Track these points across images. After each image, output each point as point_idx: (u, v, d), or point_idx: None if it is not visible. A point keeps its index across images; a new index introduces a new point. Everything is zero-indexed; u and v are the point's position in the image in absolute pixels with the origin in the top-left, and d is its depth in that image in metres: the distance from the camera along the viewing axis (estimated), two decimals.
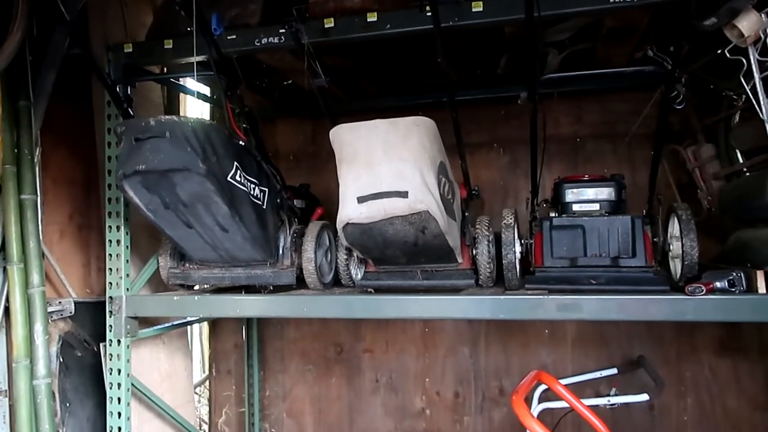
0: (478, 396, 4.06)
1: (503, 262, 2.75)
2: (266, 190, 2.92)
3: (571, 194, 2.99)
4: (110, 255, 2.98)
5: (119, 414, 2.91)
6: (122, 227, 2.96)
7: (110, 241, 2.98)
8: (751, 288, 2.27)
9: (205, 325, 4.91)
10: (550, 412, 3.38)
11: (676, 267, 2.69)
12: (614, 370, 3.47)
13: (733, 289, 2.25)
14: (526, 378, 1.82)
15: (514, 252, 2.76)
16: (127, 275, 2.97)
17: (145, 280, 3.12)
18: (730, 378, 3.60)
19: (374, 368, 4.25)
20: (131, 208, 2.97)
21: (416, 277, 2.95)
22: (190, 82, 3.95)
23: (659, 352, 3.65)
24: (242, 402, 4.47)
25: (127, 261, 2.97)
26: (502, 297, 2.53)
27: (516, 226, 2.86)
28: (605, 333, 3.80)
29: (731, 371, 3.60)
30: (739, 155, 2.86)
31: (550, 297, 2.41)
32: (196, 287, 3.32)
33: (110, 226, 2.98)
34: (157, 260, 3.14)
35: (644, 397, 2.94)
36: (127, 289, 2.96)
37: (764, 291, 2.23)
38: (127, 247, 2.98)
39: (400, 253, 2.80)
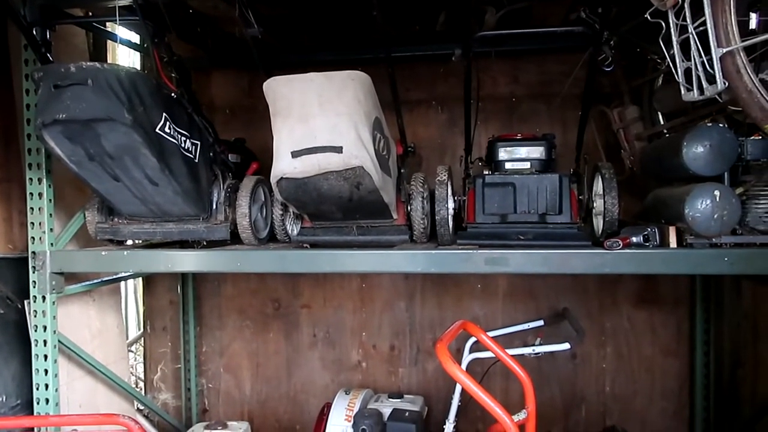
0: (413, 348, 4.18)
1: (436, 218, 2.81)
2: (198, 143, 2.84)
3: (503, 152, 3.07)
4: (32, 209, 2.86)
5: (46, 371, 2.84)
6: (44, 179, 2.84)
7: (31, 194, 2.85)
8: (664, 243, 2.42)
9: (140, 282, 4.82)
10: (480, 362, 3.54)
11: (598, 224, 2.82)
12: (541, 322, 3.64)
13: (648, 244, 2.39)
14: (452, 327, 1.90)
15: (447, 208, 2.83)
16: (51, 230, 2.86)
17: (71, 235, 3.01)
18: (646, 328, 3.85)
19: (312, 323, 4.30)
20: (54, 159, 2.84)
21: (352, 233, 2.98)
22: (121, 30, 3.75)
23: (583, 305, 3.85)
24: (178, 358, 4.44)
25: (51, 215, 2.86)
26: (434, 252, 2.59)
27: (450, 182, 2.92)
28: (534, 287, 3.97)
29: (647, 322, 3.85)
30: (660, 117, 2.99)
31: (479, 251, 2.49)
32: (128, 243, 3.24)
33: (31, 179, 2.84)
34: (84, 215, 3.03)
35: (566, 346, 3.10)
36: (51, 244, 2.86)
37: (675, 246, 2.38)
38: (50, 200, 2.86)
39: (336, 209, 2.81)
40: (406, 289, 4.17)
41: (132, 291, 5.54)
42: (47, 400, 2.85)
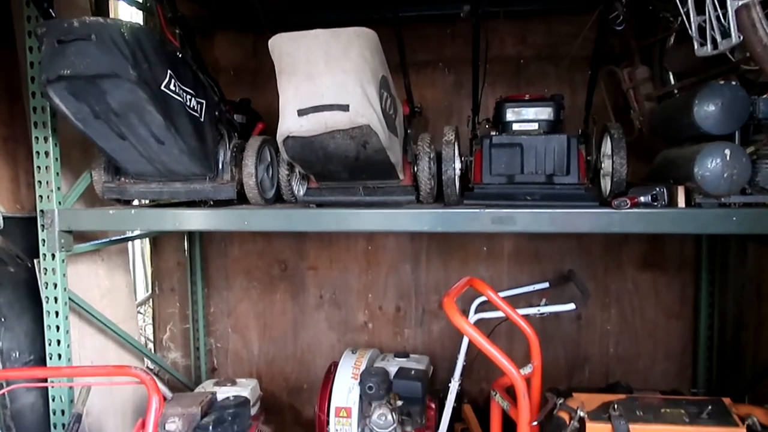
0: (419, 310, 4.22)
1: (443, 178, 2.80)
2: (203, 102, 2.82)
3: (511, 113, 3.04)
4: (38, 167, 2.86)
5: (57, 327, 2.89)
6: (50, 138, 2.83)
7: (38, 152, 2.85)
8: (672, 202, 2.41)
9: (147, 244, 4.85)
10: (485, 324, 3.58)
11: (606, 184, 2.81)
12: (546, 284, 3.67)
13: (656, 204, 2.38)
14: (459, 283, 1.91)
15: (454, 168, 2.81)
16: (59, 188, 2.87)
17: (78, 194, 3.02)
18: (651, 290, 3.86)
19: (318, 285, 4.33)
20: (59, 118, 2.83)
21: (358, 193, 2.98)
22: None
23: (588, 267, 3.86)
24: (186, 319, 4.50)
25: (57, 174, 2.86)
26: (441, 211, 2.60)
27: (457, 143, 2.90)
28: (539, 250, 3.98)
29: (652, 284, 3.86)
30: (671, 77, 2.94)
31: (487, 210, 2.49)
32: (134, 203, 3.26)
33: (37, 137, 2.84)
34: (90, 174, 3.04)
35: (571, 306, 3.13)
36: (59, 203, 2.87)
37: (683, 205, 2.37)
38: (57, 159, 2.86)
39: (342, 169, 2.80)
40: (412, 252, 4.19)
41: (140, 254, 5.59)
42: (59, 356, 2.90)
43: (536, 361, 2.25)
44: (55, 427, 2.95)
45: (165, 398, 3.64)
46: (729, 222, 2.25)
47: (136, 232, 4.04)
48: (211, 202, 3.03)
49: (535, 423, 1.74)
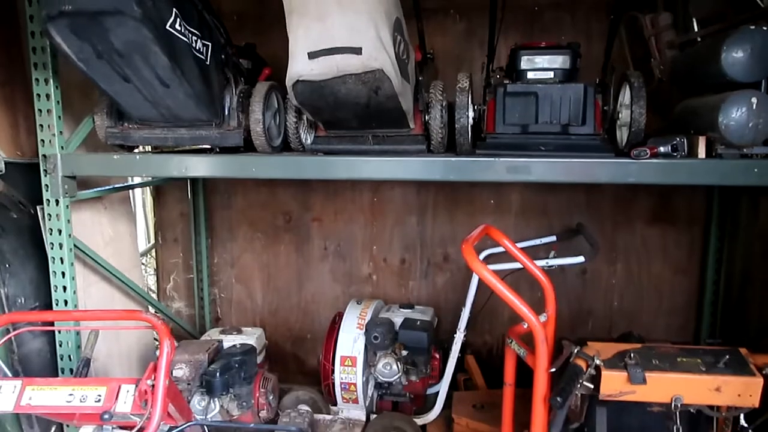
0: (424, 262, 4.21)
1: (456, 126, 2.73)
2: (209, 44, 2.72)
3: (526, 61, 2.94)
4: (39, 111, 2.78)
5: (63, 273, 2.86)
6: (51, 80, 2.74)
7: (38, 95, 2.76)
8: (692, 153, 2.35)
9: (148, 195, 4.80)
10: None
11: (622, 135, 2.74)
12: (553, 238, 3.64)
13: (675, 154, 2.32)
14: (475, 231, 1.88)
15: (468, 116, 2.74)
16: (60, 133, 2.79)
17: (80, 139, 2.94)
18: (658, 246, 3.85)
19: (323, 237, 4.31)
20: (60, 59, 2.73)
21: (367, 142, 2.91)
22: None
23: (596, 222, 3.82)
24: (190, 269, 4.49)
25: (59, 117, 2.78)
26: (454, 159, 2.54)
27: (470, 91, 2.81)
28: (547, 204, 3.93)
29: (660, 240, 3.84)
30: (695, 24, 2.84)
31: (501, 159, 2.43)
32: (137, 150, 3.19)
33: (37, 79, 2.74)
34: (93, 119, 2.96)
35: (580, 259, 3.12)
36: (62, 147, 2.80)
37: (704, 156, 2.32)
38: (58, 102, 2.77)
39: (352, 116, 2.73)
40: (418, 204, 4.15)
41: (140, 205, 5.54)
42: (66, 302, 2.88)
43: (550, 310, 2.23)
44: (62, 372, 2.96)
45: None
46: (750, 173, 2.20)
47: (140, 180, 3.99)
48: (217, 150, 2.97)
49: (553, 370, 1.74)
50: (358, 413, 3.63)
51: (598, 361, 1.75)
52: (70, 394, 1.97)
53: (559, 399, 1.66)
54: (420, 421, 3.55)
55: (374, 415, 3.64)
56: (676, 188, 3.75)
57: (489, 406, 3.47)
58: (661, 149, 2.31)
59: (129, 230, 3.90)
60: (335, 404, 3.68)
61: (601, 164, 2.37)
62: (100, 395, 1.97)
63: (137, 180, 4.07)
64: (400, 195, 4.15)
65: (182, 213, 4.45)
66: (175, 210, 4.47)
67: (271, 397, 3.39)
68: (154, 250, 4.72)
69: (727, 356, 1.78)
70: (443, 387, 3.55)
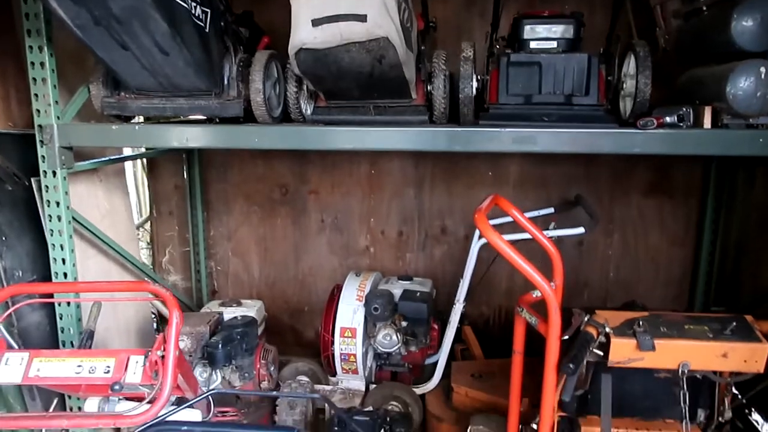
0: (421, 235, 4.21)
1: (460, 96, 2.71)
2: (209, 10, 2.65)
3: (529, 31, 2.90)
4: (34, 79, 2.70)
5: (62, 246, 2.82)
6: (45, 48, 2.66)
7: (32, 63, 2.69)
8: (698, 123, 2.36)
9: (140, 168, 4.73)
10: (488, 248, 3.59)
11: (626, 105, 2.74)
12: (551, 210, 3.66)
13: (681, 124, 2.32)
14: (486, 201, 1.88)
15: (472, 87, 2.71)
16: (56, 102, 2.72)
17: (76, 109, 2.88)
18: (655, 217, 3.88)
19: (320, 209, 4.29)
20: (55, 26, 2.66)
21: (368, 113, 2.88)
22: None
23: (594, 194, 3.84)
24: (186, 242, 4.46)
25: (55, 86, 2.71)
26: (459, 129, 2.52)
27: (474, 60, 2.78)
28: (545, 175, 3.94)
29: (657, 211, 3.87)
30: None
31: (507, 130, 2.42)
32: (134, 120, 3.13)
33: (31, 47, 2.67)
34: (88, 88, 2.89)
35: (581, 230, 3.14)
36: (58, 117, 2.74)
37: (709, 126, 2.32)
38: (53, 70, 2.70)
39: (354, 85, 2.70)
40: (416, 177, 4.13)
41: (131, 178, 5.46)
42: (65, 275, 2.85)
43: (558, 280, 2.25)
44: (63, 345, 2.94)
45: None
46: (755, 144, 2.21)
47: (136, 152, 3.93)
48: (217, 120, 2.92)
49: (566, 337, 1.75)
50: (358, 384, 3.66)
51: (608, 329, 1.77)
52: (79, 366, 1.96)
53: (571, 366, 1.68)
54: (419, 390, 3.59)
55: (373, 386, 3.67)
56: (673, 160, 3.77)
57: (487, 376, 3.52)
58: (667, 119, 2.31)
59: (124, 203, 3.85)
60: (334, 375, 3.71)
61: (606, 134, 2.37)
62: (109, 367, 1.96)
63: (131, 152, 4.02)
64: (398, 167, 4.13)
65: (177, 186, 4.41)
66: (169, 183, 4.42)
67: (272, 368, 3.41)
68: (147, 224, 4.68)
69: (734, 323, 1.81)
70: (442, 357, 3.59)
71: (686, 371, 1.77)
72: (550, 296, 1.66)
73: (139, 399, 2.12)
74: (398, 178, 4.15)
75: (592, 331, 1.77)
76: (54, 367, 1.97)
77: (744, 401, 2.01)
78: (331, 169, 4.22)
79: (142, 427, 1.21)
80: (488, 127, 2.58)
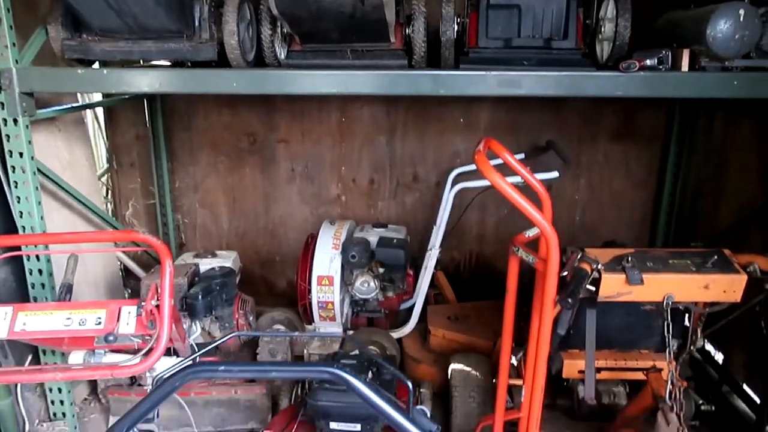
0: (393, 182, 4.22)
1: (442, 39, 2.68)
2: None
3: None
4: None
5: (27, 198, 2.68)
6: None
7: None
8: (676, 66, 2.41)
9: (101, 116, 4.50)
10: (459, 195, 3.65)
11: (603, 49, 2.76)
12: (522, 155, 3.72)
13: (660, 67, 2.37)
14: (480, 143, 1.89)
15: (453, 29, 2.68)
16: (14, 44, 2.54)
17: (34, 52, 2.69)
18: (620, 162, 4.00)
19: (289, 158, 4.22)
20: None
21: (346, 57, 2.82)
22: None
23: (562, 139, 3.89)
24: (150, 194, 4.33)
25: (11, 27, 2.52)
26: (444, 72, 2.50)
27: (455, 2, 2.74)
28: (516, 122, 3.98)
29: (622, 156, 3.99)
30: None
31: (492, 73, 2.41)
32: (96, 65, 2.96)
33: None
34: (46, 30, 2.70)
35: (554, 174, 3.21)
36: (16, 62, 2.56)
37: (687, 69, 2.38)
38: (8, 9, 2.50)
39: (334, 27, 2.62)
40: (387, 124, 4.10)
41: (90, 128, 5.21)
42: (32, 228, 2.73)
43: (548, 220, 2.30)
44: (34, 302, 2.84)
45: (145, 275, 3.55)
46: (730, 86, 2.28)
47: (96, 99, 3.74)
48: (188, 64, 2.79)
49: (565, 273, 1.82)
50: (335, 329, 3.70)
51: (600, 265, 1.85)
52: (68, 318, 1.91)
53: (569, 300, 1.76)
54: (396, 334, 3.67)
55: (350, 332, 3.73)
56: (639, 106, 3.87)
57: (462, 318, 3.63)
58: (648, 62, 2.35)
59: (85, 154, 3.68)
60: (311, 323, 3.74)
61: (589, 77, 2.40)
62: (100, 318, 1.91)
63: (87, 99, 3.82)
64: (369, 114, 4.09)
65: (138, 136, 4.23)
66: (129, 133, 4.24)
67: (251, 318, 3.41)
68: (104, 177, 4.49)
69: (715, 257, 1.91)
70: (419, 301, 3.66)
71: (670, 303, 1.87)
72: (550, 234, 1.71)
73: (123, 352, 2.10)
74: (369, 126, 4.11)
75: (586, 267, 1.84)
76: (41, 321, 1.91)
77: (717, 329, 2.14)
78: (300, 116, 4.13)
79: (175, 369, 1.19)
80: (469, 70, 2.57)
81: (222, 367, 1.26)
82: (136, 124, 4.20)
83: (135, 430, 1.20)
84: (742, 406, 3.18)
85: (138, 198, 4.37)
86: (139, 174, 4.32)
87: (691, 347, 2.26)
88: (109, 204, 4.47)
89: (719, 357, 3.49)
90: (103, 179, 4.53)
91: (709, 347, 3.59)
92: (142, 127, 4.18)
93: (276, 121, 4.15)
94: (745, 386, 3.20)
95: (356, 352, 2.69)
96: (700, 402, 2.60)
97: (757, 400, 2.95)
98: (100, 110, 4.29)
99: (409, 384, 1.92)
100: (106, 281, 3.77)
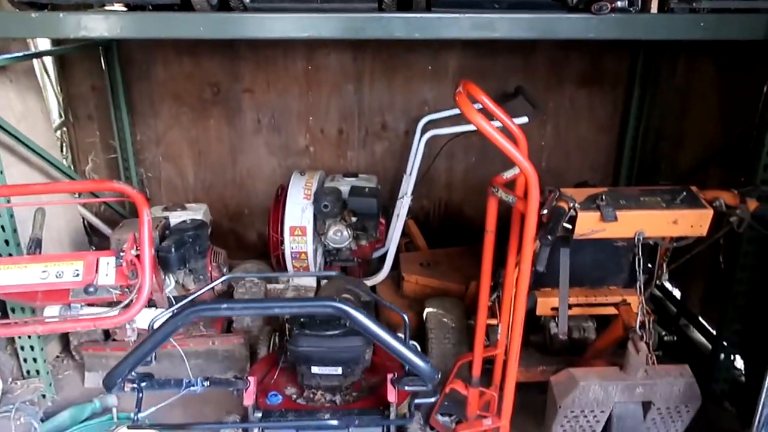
0: (362, 131, 4.18)
1: None
2: None
3: None
4: None
5: None
6: None
7: None
8: (646, 8, 2.43)
9: (51, 66, 4.28)
10: (428, 143, 3.66)
11: None
12: None
13: (631, 9, 2.38)
14: (459, 86, 1.89)
15: None
16: None
17: None
18: (585, 106, 4.06)
19: (255, 108, 4.13)
20: None
21: (313, 0, 2.74)
22: None
23: (530, 85, 3.91)
24: (110, 148, 4.19)
25: None
26: (417, 15, 2.46)
27: None
28: (484, 68, 3.97)
29: (587, 101, 4.04)
30: None
31: (466, 15, 2.38)
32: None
33: None
34: None
35: (524, 119, 3.25)
36: None
37: (656, 11, 2.41)
38: None
39: None
40: (354, 71, 4.04)
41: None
42: None
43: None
44: None
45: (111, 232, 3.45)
46: (697, 28, 2.31)
47: (47, 47, 3.55)
48: (150, 7, 2.66)
49: (545, 212, 1.86)
50: (309, 280, 3.74)
51: (577, 204, 1.90)
52: (44, 272, 1.86)
53: (549, 237, 1.81)
54: (370, 282, 3.72)
55: (324, 281, 3.76)
56: (604, 50, 3.90)
57: (435, 264, 3.69)
58: (619, 4, 2.36)
59: (40, 106, 3.51)
60: None
61: (562, 19, 2.39)
62: (77, 270, 1.87)
63: (34, 49, 3.62)
64: (336, 62, 4.01)
65: (94, 87, 4.06)
66: (85, 84, 4.06)
67: (224, 270, 3.39)
68: (60, 131, 4.31)
69: (684, 193, 1.99)
70: (392, 249, 3.71)
71: (641, 239, 1.95)
72: (531, 173, 1.74)
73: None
74: (336, 74, 4.04)
75: (564, 205, 1.89)
76: (15, 275, 1.87)
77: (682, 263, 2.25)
78: (264, 65, 4.02)
79: (177, 307, 1.18)
80: (442, 13, 2.53)
81: (224, 305, 1.26)
82: (92, 74, 4.02)
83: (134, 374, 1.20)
84: (699, 337, 3.39)
85: (98, 152, 4.23)
86: (97, 127, 4.16)
87: (657, 281, 2.37)
88: (66, 159, 4.31)
89: (677, 293, 3.67)
90: (58, 133, 4.36)
91: (667, 285, 3.77)
92: (97, 77, 4.00)
93: (240, 71, 4.03)
94: (701, 319, 3.39)
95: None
96: (663, 333, 2.75)
97: (713, 332, 3.14)
98: (48, 61, 4.08)
99: (405, 316, 1.98)
100: (71, 238, 3.67)
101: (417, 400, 1.83)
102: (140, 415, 1.47)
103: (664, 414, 2.08)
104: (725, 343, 2.89)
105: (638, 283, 2.01)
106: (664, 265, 2.33)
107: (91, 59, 3.94)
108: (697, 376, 2.08)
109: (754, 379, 2.90)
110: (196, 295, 1.80)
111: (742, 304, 2.79)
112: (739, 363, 3.05)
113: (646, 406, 2.07)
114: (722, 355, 2.91)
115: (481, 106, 2.09)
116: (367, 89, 4.07)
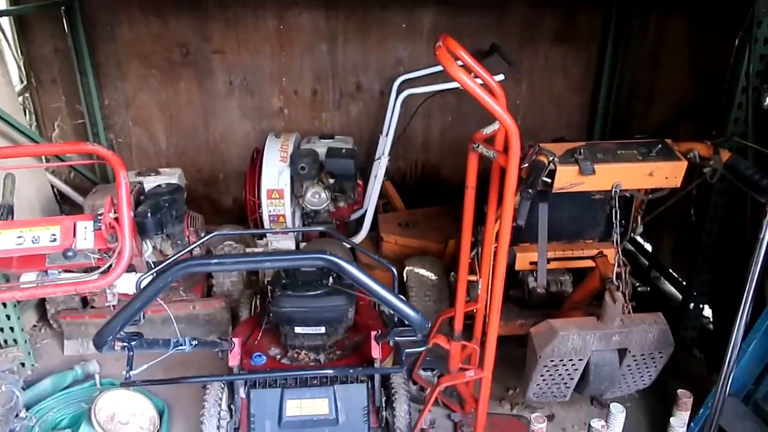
0: (336, 92, 4.13)
1: None
2: None
3: None
4: None
5: None
6: None
7: None
8: None
9: (8, 28, 4.10)
10: (404, 103, 3.64)
11: None
12: None
13: None
14: (438, 41, 1.86)
15: None
16: None
17: None
18: (559, 65, 4.07)
19: (226, 70, 4.03)
20: None
21: None
22: None
23: (505, 43, 3.86)
24: (77, 113, 4.07)
25: None
26: None
27: None
28: (459, 26, 3.93)
29: (561, 59, 4.05)
30: None
31: None
32: None
33: None
34: None
35: (500, 77, 3.22)
36: None
37: None
38: None
39: None
40: (328, 31, 3.96)
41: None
42: None
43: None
44: None
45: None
46: None
47: (3, 7, 3.39)
48: None
49: (525, 165, 1.88)
50: (288, 243, 3.73)
51: (556, 158, 1.92)
52: (20, 237, 1.82)
53: (530, 191, 1.83)
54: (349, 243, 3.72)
55: (303, 244, 3.76)
56: (578, 7, 3.89)
57: (413, 224, 3.71)
58: None
59: (1, 70, 3.38)
60: (263, 237, 3.74)
61: None
62: (54, 235, 1.84)
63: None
64: (309, 21, 3.93)
65: (57, 49, 3.91)
66: (47, 46, 3.91)
67: (202, 235, 3.35)
68: (22, 97, 4.15)
69: (659, 146, 2.02)
70: (370, 210, 3.72)
71: (618, 191, 1.99)
72: (512, 128, 1.75)
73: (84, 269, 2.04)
74: (309, 33, 3.96)
75: (543, 159, 1.91)
76: None
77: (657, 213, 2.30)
78: (234, 25, 3.92)
79: (163, 265, 1.17)
80: None
81: (214, 260, 1.26)
82: (54, 36, 3.86)
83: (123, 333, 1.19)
84: (670, 288, 3.50)
85: (64, 117, 4.10)
86: (62, 91, 4.03)
87: (632, 233, 2.43)
88: (31, 126, 4.17)
89: (648, 247, 3.77)
90: (21, 99, 4.20)
91: (639, 239, 3.87)
92: (60, 39, 3.85)
93: (209, 31, 3.92)
94: (671, 271, 3.50)
95: None
96: (637, 284, 2.83)
97: (683, 282, 3.25)
98: (5, 22, 3.89)
99: (393, 269, 2.01)
100: (41, 205, 3.58)
101: (407, 350, 1.86)
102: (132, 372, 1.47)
103: (639, 360, 2.16)
104: (695, 293, 3.00)
105: (615, 235, 2.05)
106: (639, 218, 2.38)
107: (52, 20, 3.78)
108: (668, 324, 2.15)
109: (722, 327, 3.03)
110: (177, 256, 1.78)
111: (711, 255, 2.88)
112: (708, 312, 3.17)
113: (622, 353, 2.14)
114: (692, 305, 3.02)
115: (461, 63, 2.07)
116: (341, 49, 4.01)
